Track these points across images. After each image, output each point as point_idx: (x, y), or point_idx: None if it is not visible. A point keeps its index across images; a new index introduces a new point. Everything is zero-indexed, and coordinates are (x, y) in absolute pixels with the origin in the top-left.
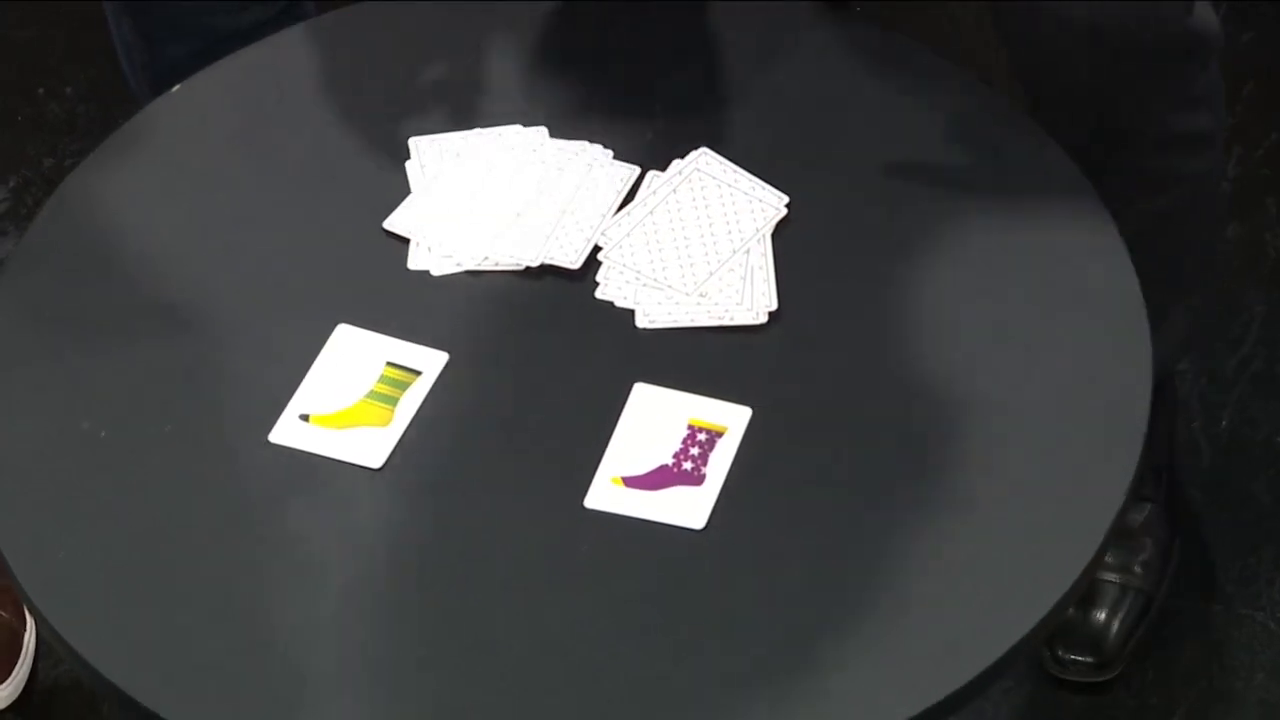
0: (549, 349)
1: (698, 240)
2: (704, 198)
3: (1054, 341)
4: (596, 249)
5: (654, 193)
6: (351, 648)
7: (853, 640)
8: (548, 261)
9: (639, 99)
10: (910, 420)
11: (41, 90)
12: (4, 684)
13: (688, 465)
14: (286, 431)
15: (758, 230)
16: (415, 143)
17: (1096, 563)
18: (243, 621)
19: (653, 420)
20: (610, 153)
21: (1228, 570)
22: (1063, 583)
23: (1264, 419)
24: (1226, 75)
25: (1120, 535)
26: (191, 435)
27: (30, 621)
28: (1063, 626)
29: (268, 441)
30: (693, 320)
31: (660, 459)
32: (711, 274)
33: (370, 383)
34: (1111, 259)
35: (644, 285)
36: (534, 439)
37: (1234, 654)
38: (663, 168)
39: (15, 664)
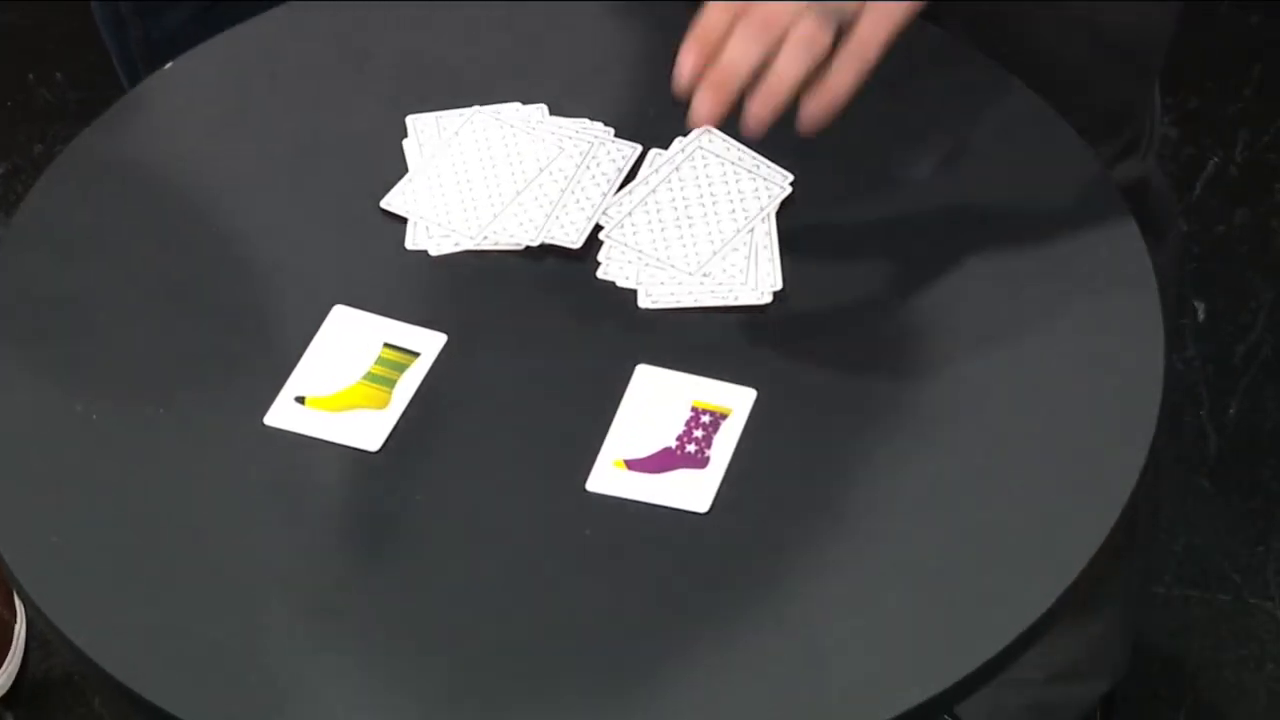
0: (549, 330)
1: (700, 219)
2: (707, 176)
3: (1064, 323)
4: (598, 228)
5: (656, 171)
6: (349, 633)
7: (859, 625)
8: (548, 241)
9: (641, 76)
10: (918, 401)
11: (31, 76)
12: None
13: (691, 448)
14: (282, 414)
15: (762, 209)
16: (413, 121)
17: (1108, 549)
18: (238, 607)
19: (655, 402)
20: (611, 130)
21: (1236, 560)
22: (1076, 563)
23: (1273, 406)
24: (1234, 57)
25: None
26: (185, 418)
27: (21, 613)
28: None
29: (263, 424)
30: (696, 300)
31: (663, 441)
32: (715, 253)
33: (367, 364)
34: (1124, 240)
35: (646, 265)
36: (534, 421)
37: (1243, 644)
38: (665, 145)
39: (5, 656)
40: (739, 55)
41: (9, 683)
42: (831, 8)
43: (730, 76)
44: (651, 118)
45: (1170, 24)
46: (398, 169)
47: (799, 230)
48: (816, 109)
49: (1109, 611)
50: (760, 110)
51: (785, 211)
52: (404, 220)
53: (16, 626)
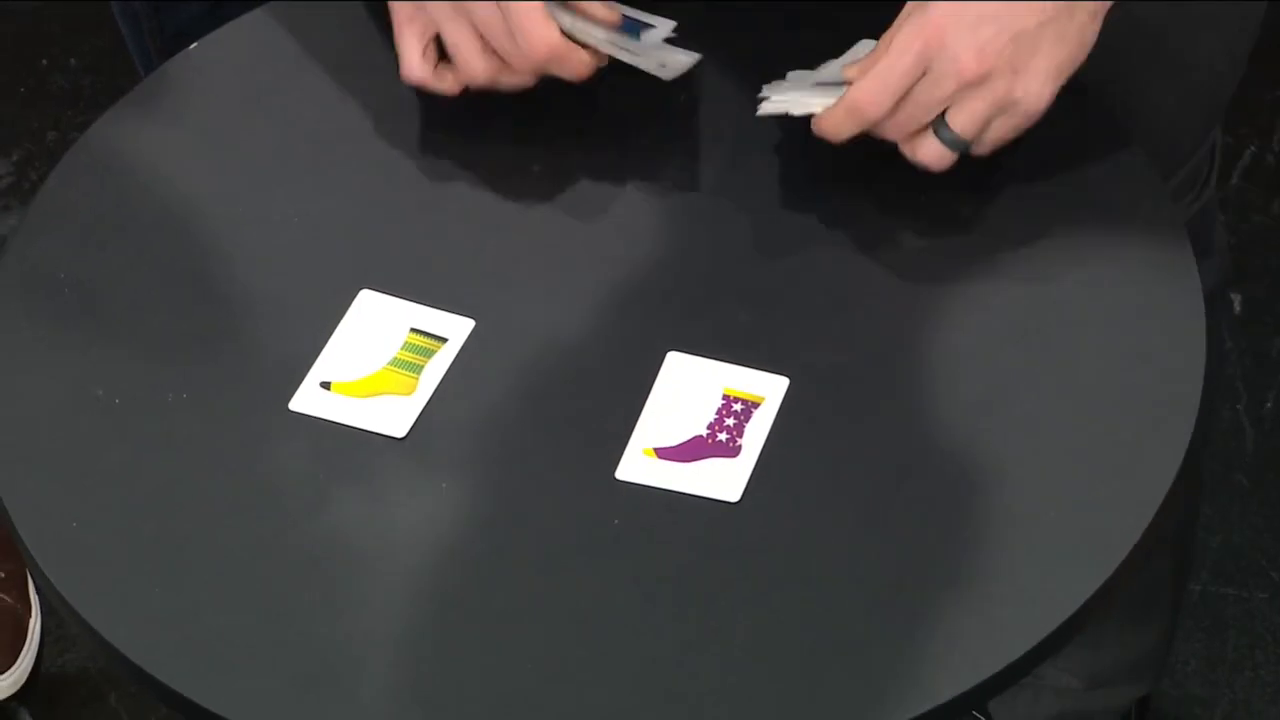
0: (578, 317)
1: None
2: None
3: (1102, 315)
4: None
5: None
6: (373, 621)
7: (892, 618)
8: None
9: None
10: (953, 392)
11: (44, 62)
12: (9, 672)
13: (723, 436)
14: (307, 400)
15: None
16: None
17: (1149, 539)
18: (261, 595)
19: (686, 390)
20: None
21: (1273, 557)
22: (1114, 558)
23: None
24: (1271, 45)
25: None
26: (208, 403)
27: (36, 607)
28: None
29: (287, 410)
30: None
31: (694, 430)
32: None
33: (393, 350)
34: (1165, 232)
35: None
36: (563, 408)
37: None
38: None
39: (20, 651)
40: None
41: (24, 679)
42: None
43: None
44: None
45: (1243, 59)
46: (421, 151)
47: (833, 218)
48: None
49: (1156, 622)
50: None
51: (820, 200)
52: (425, 206)
53: (31, 621)
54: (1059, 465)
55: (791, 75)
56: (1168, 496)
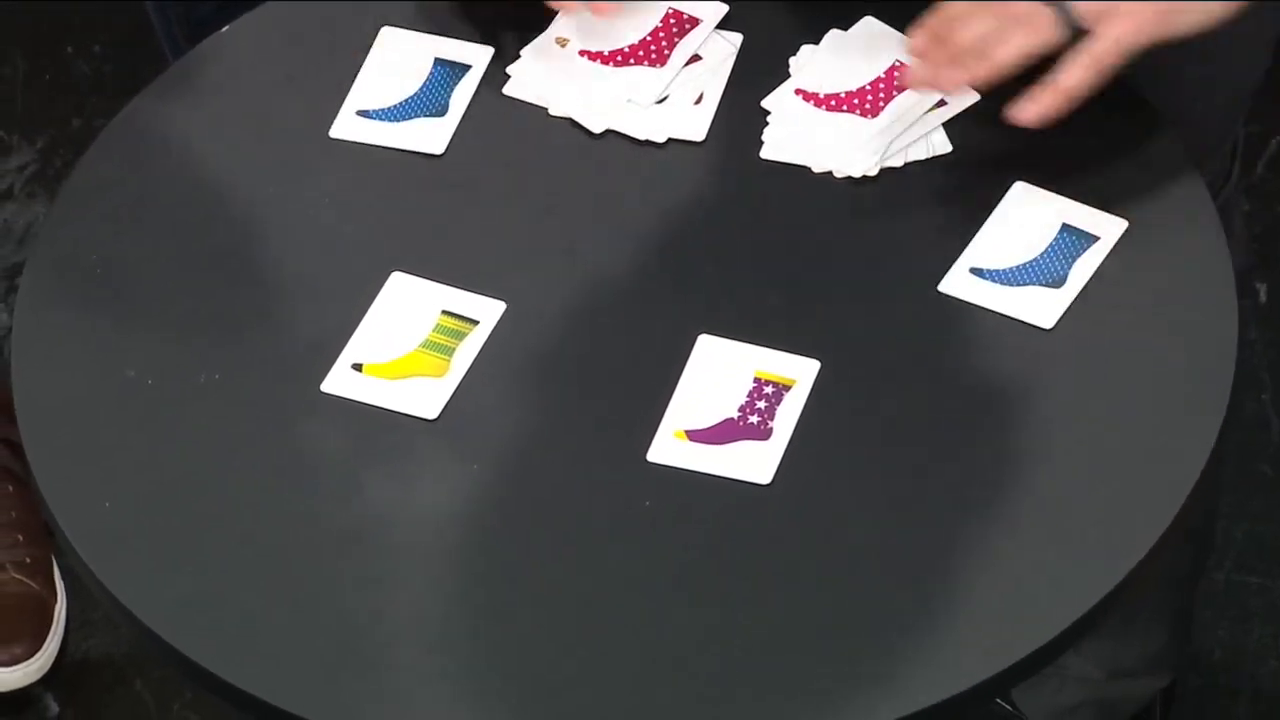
0: (610, 299)
1: None
2: None
3: (1133, 299)
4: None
5: None
6: (404, 602)
7: (918, 602)
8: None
9: None
10: (985, 374)
11: (69, 49)
12: (35, 657)
13: (754, 419)
14: (339, 381)
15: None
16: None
17: (1175, 530)
18: (292, 576)
19: (718, 372)
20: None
21: None
22: (1140, 548)
23: None
24: None
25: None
26: (241, 384)
27: (61, 593)
28: None
29: (320, 391)
30: None
31: (725, 412)
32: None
33: (425, 332)
34: (1198, 220)
35: None
36: (595, 391)
37: None
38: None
39: (46, 637)
40: (966, 30)
41: (49, 664)
42: (1070, 7)
43: (955, 49)
44: None
45: (1267, 55)
46: (453, 133)
47: (863, 211)
48: (1039, 105)
49: (1175, 615)
50: (972, 71)
51: (854, 190)
52: (457, 188)
53: (56, 607)
54: (1088, 454)
55: (804, 57)
56: (1195, 488)
